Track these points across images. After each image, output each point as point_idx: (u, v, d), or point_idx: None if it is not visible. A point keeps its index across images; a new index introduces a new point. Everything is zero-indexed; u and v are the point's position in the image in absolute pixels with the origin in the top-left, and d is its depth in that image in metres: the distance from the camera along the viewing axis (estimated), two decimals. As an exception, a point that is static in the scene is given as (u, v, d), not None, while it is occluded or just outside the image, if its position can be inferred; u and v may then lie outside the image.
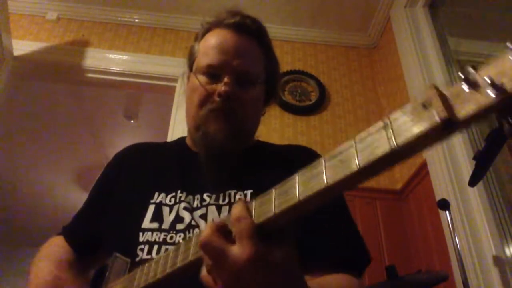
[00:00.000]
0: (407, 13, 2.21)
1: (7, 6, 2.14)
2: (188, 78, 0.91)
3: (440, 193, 1.62)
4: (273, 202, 0.43)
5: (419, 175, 1.85)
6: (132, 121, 3.46)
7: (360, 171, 0.38)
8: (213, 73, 0.82)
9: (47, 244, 0.88)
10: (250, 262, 0.42)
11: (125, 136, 3.73)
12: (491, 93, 0.29)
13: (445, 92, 0.33)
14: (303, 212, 0.42)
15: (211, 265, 0.44)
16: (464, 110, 0.31)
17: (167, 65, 2.41)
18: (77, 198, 4.45)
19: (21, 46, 2.34)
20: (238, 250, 0.42)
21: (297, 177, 0.43)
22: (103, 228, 0.81)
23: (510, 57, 0.30)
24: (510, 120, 0.32)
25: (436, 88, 0.33)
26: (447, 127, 0.32)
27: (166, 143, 1.04)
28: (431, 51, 1.99)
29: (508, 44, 0.30)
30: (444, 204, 1.43)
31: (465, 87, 0.31)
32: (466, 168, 1.60)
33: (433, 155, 1.73)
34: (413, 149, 0.35)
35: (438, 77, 1.89)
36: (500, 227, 1.46)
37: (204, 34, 0.91)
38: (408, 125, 0.34)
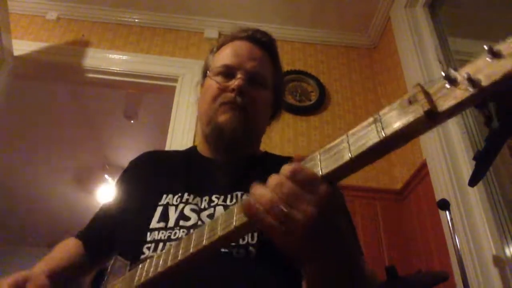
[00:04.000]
0: (407, 13, 2.21)
1: (7, 6, 2.14)
2: (202, 85, 0.97)
3: (440, 193, 1.62)
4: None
5: (419, 175, 1.85)
6: (132, 121, 3.46)
7: (353, 161, 0.42)
8: (227, 72, 0.89)
9: (56, 247, 0.92)
10: (333, 195, 0.43)
11: (125, 136, 3.73)
12: (468, 88, 0.34)
13: (428, 89, 0.37)
14: None
15: (294, 199, 0.43)
16: (445, 103, 0.36)
17: (167, 65, 2.41)
18: (76, 197, 4.45)
19: (21, 46, 2.34)
20: (324, 184, 0.43)
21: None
22: (115, 230, 0.85)
23: (485, 57, 0.34)
24: (487, 112, 0.36)
25: (421, 86, 0.37)
26: (431, 118, 0.36)
27: (178, 150, 1.10)
28: (431, 51, 1.99)
29: (485, 46, 0.34)
30: (444, 204, 1.43)
31: (446, 84, 0.36)
32: (466, 168, 1.60)
33: (433, 155, 1.73)
34: (401, 139, 0.40)
35: (438, 77, 1.89)
36: (500, 227, 1.46)
37: (219, 48, 0.98)
38: (395, 118, 0.39)
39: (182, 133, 2.12)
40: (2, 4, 2.08)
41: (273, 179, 0.45)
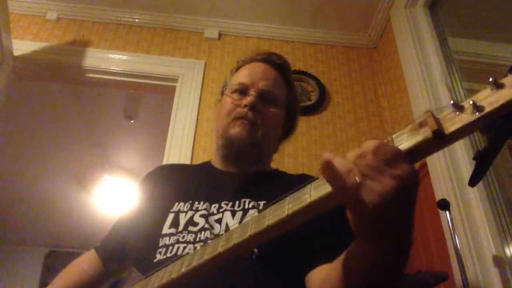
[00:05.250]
0: (407, 13, 2.20)
1: (7, 6, 2.13)
2: (220, 102, 1.04)
3: (440, 193, 1.62)
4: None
5: (419, 175, 1.85)
6: (132, 121, 3.46)
7: None
8: (241, 90, 0.96)
9: (68, 265, 0.99)
10: (414, 175, 0.43)
11: (125, 136, 3.73)
12: (473, 113, 0.39)
13: (437, 115, 0.42)
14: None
15: (375, 170, 0.42)
16: (452, 126, 0.40)
17: (167, 65, 2.41)
18: (76, 197, 4.45)
19: (21, 46, 2.34)
20: (407, 162, 0.43)
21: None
22: (129, 238, 0.90)
23: (489, 88, 0.39)
24: (489, 135, 0.41)
25: (431, 112, 0.42)
26: (438, 138, 0.40)
27: (192, 164, 1.17)
28: (431, 51, 1.99)
29: (490, 78, 0.39)
30: (444, 204, 1.43)
31: (454, 110, 0.41)
32: (466, 168, 1.60)
33: (433, 155, 1.73)
34: (412, 159, 0.43)
35: (438, 77, 1.89)
36: (500, 227, 1.46)
37: (237, 69, 1.06)
38: (406, 139, 0.43)
39: (182, 133, 2.12)
40: (2, 4, 2.07)
41: (354, 151, 0.44)
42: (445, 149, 1.67)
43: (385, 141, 0.44)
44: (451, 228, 1.38)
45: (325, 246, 0.69)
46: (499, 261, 1.37)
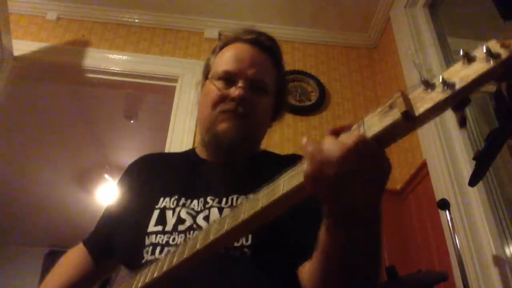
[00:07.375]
0: (407, 13, 2.21)
1: (7, 6, 2.14)
2: (203, 86, 0.95)
3: (440, 193, 1.62)
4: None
5: (419, 175, 1.85)
6: (132, 121, 3.46)
7: None
8: (228, 78, 0.87)
9: (58, 263, 0.97)
10: (375, 146, 0.43)
11: (125, 136, 3.73)
12: (444, 91, 0.37)
13: (409, 94, 0.40)
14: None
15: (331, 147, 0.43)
16: (422, 106, 0.38)
17: (167, 65, 2.41)
18: (77, 198, 4.45)
19: (21, 46, 2.34)
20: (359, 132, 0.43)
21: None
22: (114, 234, 0.86)
23: (460, 62, 0.37)
24: (462, 114, 0.38)
25: (401, 92, 0.40)
26: (408, 119, 0.39)
27: (176, 152, 1.10)
28: (431, 51, 1.99)
29: (461, 51, 0.37)
30: (444, 204, 1.43)
31: (424, 89, 0.39)
32: (466, 168, 1.60)
33: (433, 155, 1.73)
34: (383, 142, 0.42)
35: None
36: (500, 227, 1.46)
37: (221, 48, 0.95)
38: (376, 122, 0.42)
39: (182, 133, 2.12)
40: (2, 4, 2.08)
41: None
42: (445, 149, 1.69)
43: (353, 127, 0.44)
44: (451, 228, 1.39)
45: (311, 241, 0.67)
46: (499, 261, 1.38)
